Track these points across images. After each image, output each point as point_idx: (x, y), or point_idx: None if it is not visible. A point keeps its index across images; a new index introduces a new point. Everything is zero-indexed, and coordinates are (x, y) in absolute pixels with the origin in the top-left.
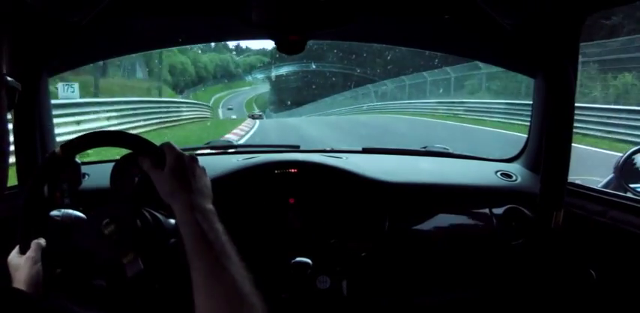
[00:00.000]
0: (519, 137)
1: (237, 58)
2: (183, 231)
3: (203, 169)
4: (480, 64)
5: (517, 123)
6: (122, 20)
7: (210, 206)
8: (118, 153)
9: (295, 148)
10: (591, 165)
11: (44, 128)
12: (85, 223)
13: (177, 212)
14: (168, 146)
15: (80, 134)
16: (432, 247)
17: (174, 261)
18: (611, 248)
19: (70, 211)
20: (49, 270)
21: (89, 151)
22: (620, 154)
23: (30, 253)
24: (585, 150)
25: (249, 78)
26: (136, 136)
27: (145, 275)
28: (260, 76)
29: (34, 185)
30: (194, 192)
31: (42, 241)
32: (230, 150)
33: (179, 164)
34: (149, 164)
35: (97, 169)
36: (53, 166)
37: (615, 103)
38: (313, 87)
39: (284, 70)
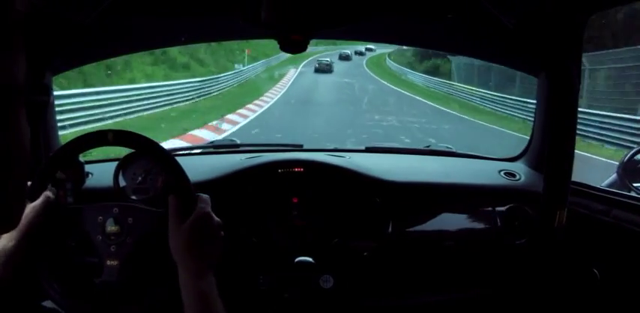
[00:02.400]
0: None
1: None
2: (186, 295)
3: (222, 237)
4: None
5: None
6: (125, 19)
7: (212, 276)
8: (121, 151)
9: (299, 147)
10: None
11: (48, 126)
12: (89, 216)
13: (183, 274)
14: (204, 199)
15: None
16: (436, 246)
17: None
18: (615, 247)
19: None
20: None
21: (92, 150)
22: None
23: (37, 203)
24: None
25: None
26: (179, 167)
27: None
28: None
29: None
30: (205, 259)
31: (51, 194)
32: (233, 150)
33: (203, 226)
34: (175, 206)
35: (101, 168)
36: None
37: None
38: None
39: None
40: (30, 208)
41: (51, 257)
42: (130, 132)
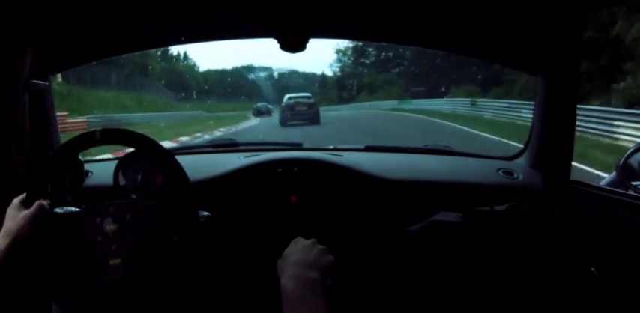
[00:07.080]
0: None
1: None
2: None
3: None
4: None
5: None
6: (125, 19)
7: None
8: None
9: (297, 146)
10: None
11: (48, 125)
12: (86, 220)
13: None
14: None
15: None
16: (434, 244)
17: (176, 258)
18: (613, 245)
19: (73, 208)
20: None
21: (92, 149)
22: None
23: (30, 211)
24: None
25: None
26: (179, 167)
27: (140, 277)
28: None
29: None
30: None
31: (46, 203)
32: (232, 148)
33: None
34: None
35: (100, 167)
36: (85, 147)
37: None
38: None
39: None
40: (22, 216)
41: (51, 265)
42: (131, 132)
